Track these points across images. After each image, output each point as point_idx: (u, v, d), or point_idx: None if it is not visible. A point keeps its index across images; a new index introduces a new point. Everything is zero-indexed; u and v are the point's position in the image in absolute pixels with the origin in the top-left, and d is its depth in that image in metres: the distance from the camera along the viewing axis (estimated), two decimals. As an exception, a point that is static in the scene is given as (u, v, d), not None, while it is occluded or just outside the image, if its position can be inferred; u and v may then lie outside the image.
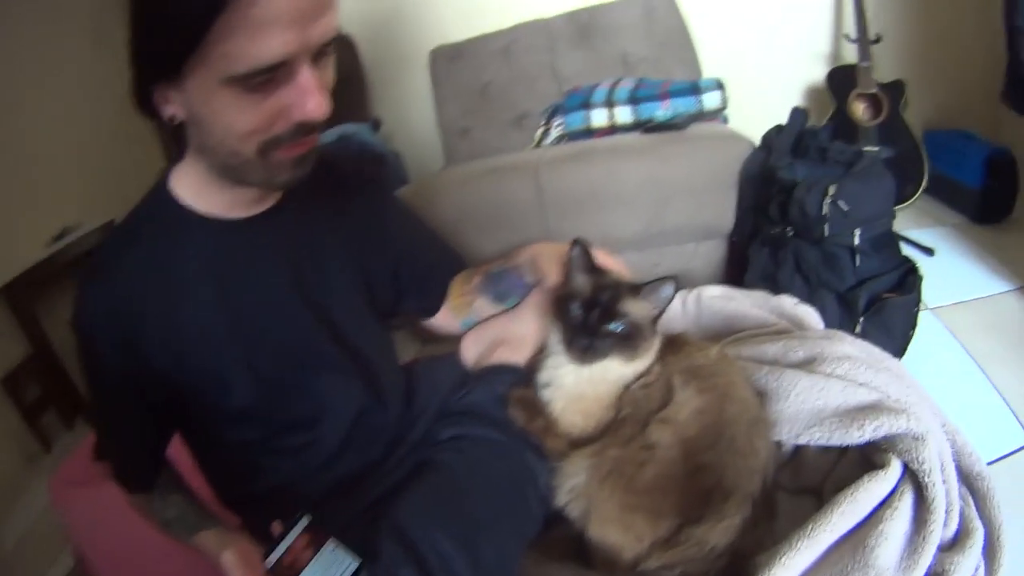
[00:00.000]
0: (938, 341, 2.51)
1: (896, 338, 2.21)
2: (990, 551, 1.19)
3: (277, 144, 1.07)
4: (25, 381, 2.74)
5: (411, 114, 3.98)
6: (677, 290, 1.29)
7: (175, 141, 1.18)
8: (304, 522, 1.17)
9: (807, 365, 1.40)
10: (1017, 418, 2.11)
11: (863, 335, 2.08)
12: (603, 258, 1.42)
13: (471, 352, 1.61)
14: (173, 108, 1.07)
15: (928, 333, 2.45)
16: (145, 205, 1.27)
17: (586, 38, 3.48)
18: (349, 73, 3.75)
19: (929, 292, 2.33)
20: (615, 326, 1.26)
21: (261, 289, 1.29)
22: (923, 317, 2.34)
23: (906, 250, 2.37)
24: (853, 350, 1.44)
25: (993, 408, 2.18)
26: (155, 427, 1.35)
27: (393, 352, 1.61)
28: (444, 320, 1.68)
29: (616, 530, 1.20)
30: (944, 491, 1.17)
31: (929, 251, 3.07)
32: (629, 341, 1.27)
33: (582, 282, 1.33)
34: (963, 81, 3.66)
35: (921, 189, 3.34)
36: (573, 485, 1.27)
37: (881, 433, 1.22)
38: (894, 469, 1.19)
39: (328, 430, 1.39)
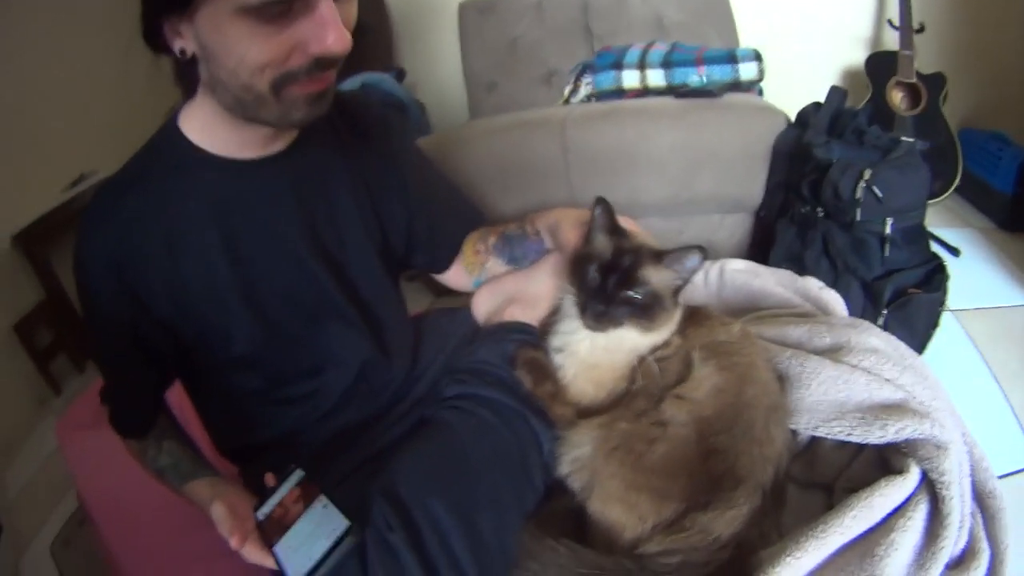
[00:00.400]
0: (955, 344, 2.45)
1: (917, 335, 2.17)
2: (993, 574, 1.14)
3: (292, 79, 1.02)
4: (38, 326, 2.76)
5: (437, 66, 3.92)
6: (704, 260, 1.21)
7: (186, 78, 1.13)
8: (297, 476, 1.14)
9: (832, 353, 1.34)
10: (1027, 437, 2.05)
11: (884, 328, 2.03)
12: (627, 223, 1.35)
13: (483, 308, 1.57)
14: (183, 42, 1.03)
15: (946, 334, 2.38)
16: (153, 144, 1.22)
17: (621, -1, 3.40)
18: (375, 22, 3.70)
19: (951, 293, 2.27)
20: (633, 293, 1.19)
21: (270, 234, 1.25)
22: (943, 318, 2.28)
23: (933, 248, 2.30)
24: (880, 343, 1.38)
25: (1003, 422, 2.11)
26: (153, 373, 1.31)
27: (403, 305, 1.57)
28: (456, 276, 1.64)
29: (618, 508, 1.14)
30: (960, 507, 1.13)
31: (955, 251, 2.98)
32: (647, 311, 1.20)
33: (602, 244, 1.26)
34: (1005, 82, 3.56)
35: (953, 187, 3.28)
36: (577, 456, 1.21)
37: (904, 436, 1.16)
38: (912, 476, 1.14)
39: (332, 381, 1.36)
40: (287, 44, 0.98)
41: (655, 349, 1.24)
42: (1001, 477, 1.75)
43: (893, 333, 1.47)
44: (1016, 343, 2.44)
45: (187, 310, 1.21)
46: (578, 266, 1.27)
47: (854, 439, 1.21)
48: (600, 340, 1.25)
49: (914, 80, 3.29)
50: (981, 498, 1.23)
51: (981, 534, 1.17)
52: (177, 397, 1.44)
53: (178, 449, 1.34)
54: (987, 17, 3.49)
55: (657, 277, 1.21)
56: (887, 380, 1.27)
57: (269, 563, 1.06)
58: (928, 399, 1.26)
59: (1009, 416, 2.13)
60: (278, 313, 1.27)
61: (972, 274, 2.86)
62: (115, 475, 1.82)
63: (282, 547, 1.05)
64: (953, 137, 3.30)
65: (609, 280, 1.20)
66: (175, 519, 1.70)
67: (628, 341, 1.23)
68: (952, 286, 2.24)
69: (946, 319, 2.39)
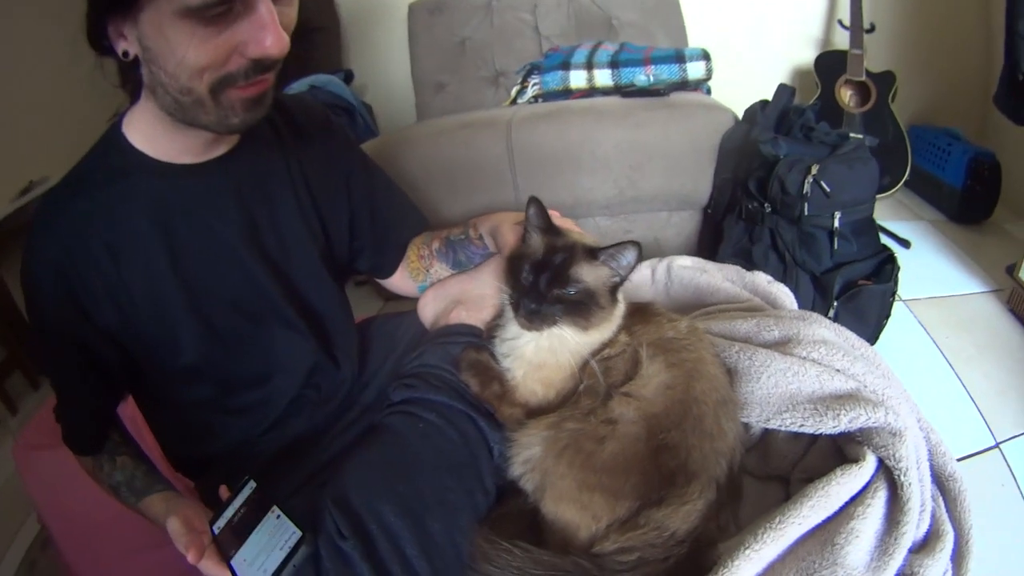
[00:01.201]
0: (909, 333, 2.49)
1: (869, 325, 2.19)
2: (958, 556, 1.14)
3: (231, 82, 1.03)
4: (-10, 344, 2.65)
5: (386, 68, 3.92)
6: (640, 256, 1.21)
7: (129, 81, 1.12)
8: (249, 487, 1.14)
9: (781, 346, 1.34)
10: (984, 419, 2.08)
11: (836, 320, 2.05)
12: (561, 221, 1.35)
13: (429, 311, 1.57)
14: (126, 43, 1.03)
15: (899, 324, 2.44)
16: (96, 149, 1.21)
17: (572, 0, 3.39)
18: (324, 23, 3.70)
19: (903, 283, 2.31)
20: (566, 291, 1.19)
21: (212, 238, 1.24)
22: (895, 308, 2.31)
23: (883, 240, 2.33)
24: (830, 334, 1.39)
25: (961, 407, 2.15)
26: (103, 387, 1.29)
27: (348, 310, 1.55)
28: (401, 282, 1.64)
29: (572, 508, 1.13)
30: (920, 492, 1.13)
31: (905, 243, 3.04)
32: (581, 308, 1.20)
33: (536, 243, 1.26)
34: (954, 80, 3.63)
35: (902, 182, 3.33)
36: (528, 457, 1.20)
37: (857, 425, 1.17)
38: (868, 464, 1.14)
39: (279, 388, 1.36)
40: (226, 46, 0.98)
41: (602, 347, 1.24)
42: (961, 459, 1.78)
43: (844, 324, 1.48)
44: (969, 329, 2.49)
45: (132, 319, 1.19)
46: (513, 266, 1.26)
47: (807, 430, 1.21)
48: (544, 341, 1.24)
49: (863, 78, 3.34)
50: (941, 481, 1.24)
51: (944, 516, 1.17)
52: (130, 411, 1.42)
53: (132, 464, 1.32)
54: (938, 17, 3.55)
55: (592, 275, 1.20)
56: (837, 370, 1.27)
57: None
58: (880, 387, 1.27)
59: (966, 399, 2.17)
60: (223, 319, 1.26)
61: (923, 264, 2.92)
62: (75, 495, 1.80)
63: (238, 560, 1.05)
64: (902, 133, 3.36)
65: (541, 279, 1.19)
66: (136, 538, 1.71)
67: (571, 340, 1.21)
68: (904, 276, 2.28)
69: (899, 308, 2.44)
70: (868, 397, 1.21)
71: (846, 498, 1.11)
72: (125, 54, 1.03)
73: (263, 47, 0.98)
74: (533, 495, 1.19)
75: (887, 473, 1.14)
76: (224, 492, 1.17)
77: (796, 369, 1.25)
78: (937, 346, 2.41)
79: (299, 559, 1.02)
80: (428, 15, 3.51)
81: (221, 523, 1.11)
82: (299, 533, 1.03)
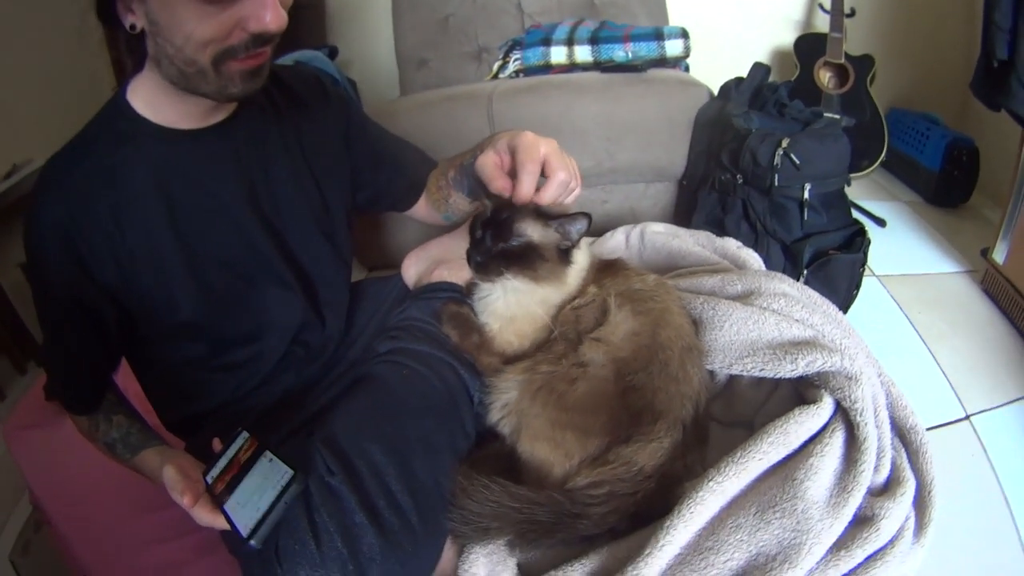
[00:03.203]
0: (882, 307, 2.53)
1: (839, 294, 2.22)
2: (921, 504, 1.19)
3: (232, 55, 1.10)
4: (-26, 327, 2.62)
5: (370, 44, 3.93)
6: (590, 226, 1.27)
7: (135, 52, 1.18)
8: (242, 438, 1.17)
9: (744, 299, 1.40)
10: (955, 391, 2.13)
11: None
12: (547, 144, 1.33)
13: (412, 272, 1.65)
14: (134, 18, 1.09)
15: (873, 298, 2.48)
16: (101, 115, 1.26)
17: (554, -23, 3.41)
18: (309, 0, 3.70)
19: (877, 260, 2.34)
20: (508, 243, 1.26)
21: (211, 201, 1.28)
22: (869, 283, 2.34)
23: (858, 217, 2.36)
24: (791, 289, 1.44)
25: (931, 378, 2.20)
26: (102, 347, 1.33)
27: (342, 270, 1.58)
28: (426, 213, 1.71)
29: (546, 447, 1.20)
30: (876, 435, 1.18)
31: (881, 222, 3.08)
32: (525, 260, 1.27)
33: (488, 205, 1.34)
34: (934, 65, 3.66)
35: (878, 162, 3.37)
36: (505, 401, 1.27)
37: (814, 368, 1.22)
38: (826, 405, 1.20)
39: (269, 345, 1.40)
40: (229, 22, 1.05)
41: (570, 299, 1.31)
42: (930, 428, 1.83)
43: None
44: (940, 307, 2.53)
45: (132, 278, 1.23)
46: (471, 227, 1.35)
47: (766, 374, 1.27)
48: (510, 296, 1.32)
49: (842, 61, 3.36)
50: (903, 434, 1.30)
51: (905, 465, 1.23)
52: (121, 380, 1.45)
53: (127, 422, 1.37)
54: (918, 4, 3.58)
55: (538, 232, 1.27)
56: (796, 320, 1.34)
57: (220, 524, 1.08)
58: (839, 337, 1.33)
59: (937, 373, 2.22)
60: (218, 278, 1.30)
61: (898, 243, 2.96)
62: (66, 469, 1.84)
63: (231, 505, 1.07)
64: (880, 115, 3.39)
65: (487, 234, 1.28)
66: (129, 504, 1.73)
67: (536, 293, 1.30)
68: (878, 254, 2.32)
69: (872, 284, 2.47)
70: (825, 344, 1.27)
71: (805, 437, 1.17)
72: (132, 27, 1.09)
73: (263, 23, 1.05)
74: (510, 437, 1.26)
75: (844, 416, 1.20)
76: (217, 444, 1.20)
77: (756, 318, 1.31)
78: (910, 321, 2.45)
79: (290, 496, 1.04)
80: (412, -9, 3.52)
81: (215, 472, 1.14)
82: (291, 472, 1.05)
